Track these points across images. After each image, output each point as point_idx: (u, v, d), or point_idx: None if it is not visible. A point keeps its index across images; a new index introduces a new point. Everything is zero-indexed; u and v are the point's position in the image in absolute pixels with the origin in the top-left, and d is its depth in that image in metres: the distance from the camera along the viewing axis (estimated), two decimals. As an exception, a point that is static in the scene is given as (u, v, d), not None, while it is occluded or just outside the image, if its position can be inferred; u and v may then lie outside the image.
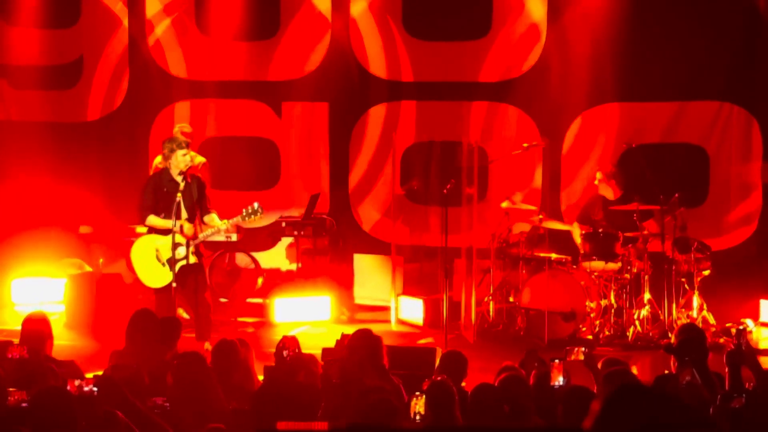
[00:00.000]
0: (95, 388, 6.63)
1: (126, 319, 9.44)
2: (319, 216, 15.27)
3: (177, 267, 11.41)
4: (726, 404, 7.47)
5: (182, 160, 11.50)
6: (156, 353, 8.88)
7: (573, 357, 8.13)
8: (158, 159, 14.36)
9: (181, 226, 11.42)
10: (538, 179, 15.25)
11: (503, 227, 13.99)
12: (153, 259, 11.53)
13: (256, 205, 11.42)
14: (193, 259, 11.47)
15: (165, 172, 11.64)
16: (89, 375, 7.76)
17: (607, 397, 2.51)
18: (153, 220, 11.72)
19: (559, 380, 7.62)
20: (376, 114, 15.88)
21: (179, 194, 11.36)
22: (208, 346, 11.19)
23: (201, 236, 11.49)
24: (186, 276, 11.54)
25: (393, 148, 15.06)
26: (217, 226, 11.49)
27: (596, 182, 13.84)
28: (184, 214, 11.51)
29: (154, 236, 11.66)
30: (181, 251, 11.43)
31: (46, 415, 5.83)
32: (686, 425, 2.47)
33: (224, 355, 8.53)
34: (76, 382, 6.72)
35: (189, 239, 11.45)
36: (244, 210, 11.44)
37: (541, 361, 8.37)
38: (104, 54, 16.37)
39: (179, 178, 11.47)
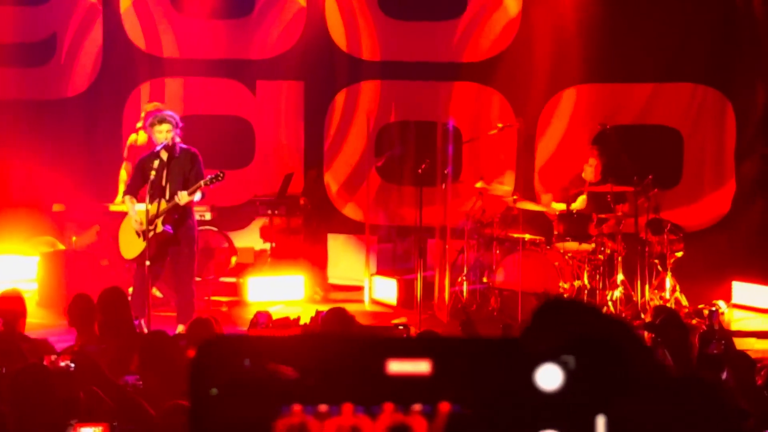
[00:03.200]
0: (72, 364, 6.60)
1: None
2: (293, 195, 15.25)
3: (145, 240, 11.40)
4: (704, 350, 7.53)
5: (158, 135, 11.52)
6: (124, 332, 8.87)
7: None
8: (132, 137, 14.32)
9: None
10: (511, 160, 15.26)
11: (477, 207, 14.01)
12: (133, 231, 11.59)
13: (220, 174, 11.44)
14: (159, 228, 11.42)
15: (154, 152, 11.62)
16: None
17: (539, 308, 2.55)
18: (126, 200, 11.78)
19: None
20: (352, 93, 15.86)
21: (153, 172, 11.34)
22: (181, 328, 11.19)
23: (160, 210, 11.45)
24: (159, 250, 11.51)
25: (368, 127, 15.05)
26: (177, 199, 11.42)
27: (590, 163, 13.82)
28: (167, 191, 11.46)
29: (142, 210, 11.62)
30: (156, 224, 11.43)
31: (25, 393, 5.80)
32: (613, 335, 2.52)
33: (200, 333, 8.51)
34: (52, 357, 6.69)
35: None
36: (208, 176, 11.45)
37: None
38: (77, 32, 16.26)
39: (164, 154, 11.48)
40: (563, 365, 2.10)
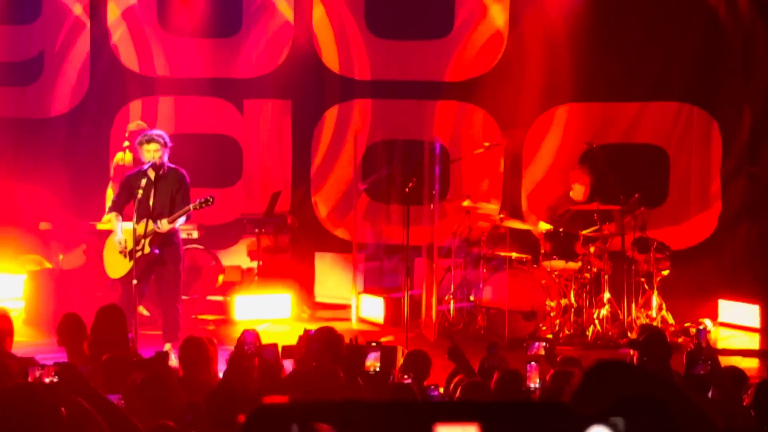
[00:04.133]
0: (56, 378, 6.60)
1: (85, 316, 9.38)
2: (280, 214, 15.25)
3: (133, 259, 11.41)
4: (690, 371, 7.55)
5: (146, 155, 11.57)
6: (118, 351, 8.84)
7: (534, 352, 8.24)
8: (119, 156, 14.31)
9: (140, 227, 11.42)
10: (498, 178, 15.28)
11: (464, 226, 14.04)
12: (117, 249, 11.60)
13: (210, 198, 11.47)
14: (147, 250, 11.45)
15: (142, 170, 11.67)
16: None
17: (588, 371, 2.55)
18: (111, 217, 11.80)
19: (536, 382, 7.68)
20: (340, 112, 15.87)
21: (140, 191, 11.37)
22: (168, 347, 11.19)
23: (147, 231, 11.45)
24: (144, 269, 11.53)
25: (355, 146, 15.06)
26: (158, 226, 11.44)
27: (578, 183, 13.88)
28: (152, 209, 11.49)
29: (129, 229, 11.62)
30: (141, 244, 11.46)
31: (12, 414, 5.79)
32: (664, 398, 2.51)
33: (192, 352, 8.50)
34: (37, 373, 6.68)
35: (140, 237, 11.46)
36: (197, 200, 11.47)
37: (502, 359, 8.42)
38: (65, 50, 16.26)
39: (152, 173, 11.52)
40: (613, 428, 2.09)
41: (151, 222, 11.43)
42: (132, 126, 14.24)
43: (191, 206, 11.40)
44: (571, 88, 15.08)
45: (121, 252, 11.55)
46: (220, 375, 8.69)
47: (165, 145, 11.62)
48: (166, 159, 11.65)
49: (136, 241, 11.38)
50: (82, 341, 8.91)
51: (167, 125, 15.60)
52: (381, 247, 15.57)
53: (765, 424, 6.97)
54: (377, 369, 7.62)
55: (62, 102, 16.33)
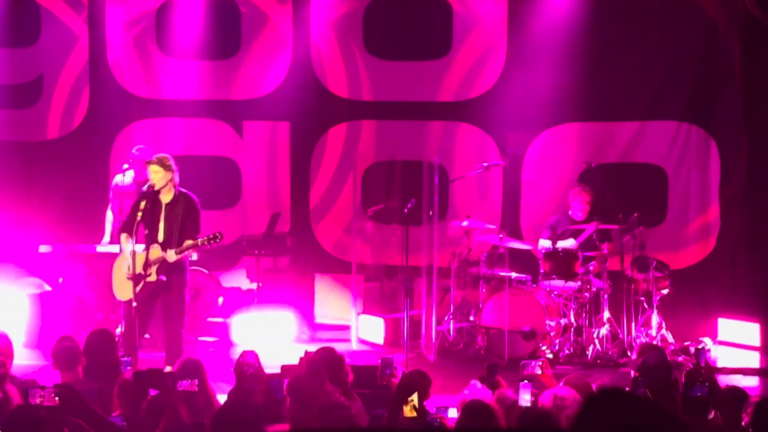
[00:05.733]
0: (56, 400, 6.62)
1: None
2: (279, 235, 15.26)
3: (139, 284, 11.40)
4: (688, 393, 7.55)
5: (149, 175, 11.62)
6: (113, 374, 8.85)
7: (530, 371, 8.24)
8: (118, 177, 14.33)
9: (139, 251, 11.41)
10: (497, 198, 15.30)
11: (463, 246, 14.04)
12: (125, 271, 11.60)
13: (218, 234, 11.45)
14: (153, 278, 11.44)
15: (143, 192, 11.72)
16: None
17: (587, 400, 2.58)
18: (122, 237, 11.79)
19: (527, 401, 7.67)
20: (338, 133, 15.90)
21: (139, 213, 11.39)
22: (170, 369, 11.18)
23: (155, 257, 11.46)
24: (151, 295, 11.52)
25: (354, 168, 15.08)
26: (166, 256, 11.45)
27: (577, 202, 13.92)
28: (161, 234, 11.52)
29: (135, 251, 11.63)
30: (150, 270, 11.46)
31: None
32: (661, 426, 2.53)
33: (191, 374, 8.50)
34: (38, 395, 6.69)
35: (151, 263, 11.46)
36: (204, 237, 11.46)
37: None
38: (64, 73, 16.28)
39: (164, 198, 11.55)
40: None
41: (159, 249, 11.42)
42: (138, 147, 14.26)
43: (199, 241, 11.38)
44: (569, 108, 15.10)
45: (128, 277, 11.52)
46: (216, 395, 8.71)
47: (167, 168, 11.63)
48: (176, 181, 11.67)
49: (144, 267, 11.38)
50: (77, 365, 8.90)
51: (166, 147, 15.59)
52: (381, 268, 15.59)
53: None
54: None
55: (62, 124, 16.32)
